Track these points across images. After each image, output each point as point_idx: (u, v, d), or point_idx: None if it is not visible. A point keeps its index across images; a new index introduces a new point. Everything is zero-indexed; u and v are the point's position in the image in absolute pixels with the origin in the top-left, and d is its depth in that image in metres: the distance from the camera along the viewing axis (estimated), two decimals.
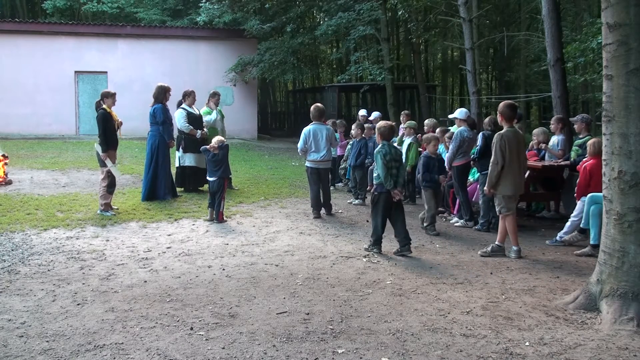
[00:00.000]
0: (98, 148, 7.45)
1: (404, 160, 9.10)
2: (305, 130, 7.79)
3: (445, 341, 3.65)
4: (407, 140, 9.10)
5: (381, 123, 6.23)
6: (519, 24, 22.72)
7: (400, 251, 5.92)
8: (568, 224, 6.45)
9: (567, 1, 18.35)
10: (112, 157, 7.53)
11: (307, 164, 7.86)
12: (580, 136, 7.43)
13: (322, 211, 7.93)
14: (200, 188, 9.33)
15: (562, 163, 7.54)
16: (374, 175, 6.06)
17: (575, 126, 7.51)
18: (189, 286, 4.71)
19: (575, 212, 6.40)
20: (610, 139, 4.16)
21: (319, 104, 8.18)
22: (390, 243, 6.31)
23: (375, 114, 11.79)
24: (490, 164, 5.85)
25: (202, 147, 7.74)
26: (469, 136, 7.44)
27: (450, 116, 8.29)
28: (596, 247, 5.48)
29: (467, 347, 3.56)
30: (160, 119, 8.49)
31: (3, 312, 4.06)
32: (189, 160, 9.19)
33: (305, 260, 5.58)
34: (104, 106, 7.57)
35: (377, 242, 5.98)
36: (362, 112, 11.93)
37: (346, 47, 21.55)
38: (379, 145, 6.09)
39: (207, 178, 7.55)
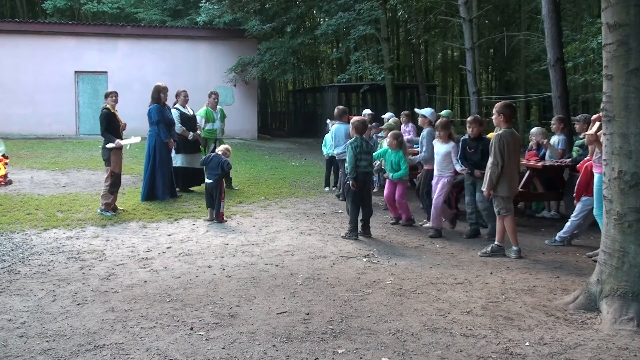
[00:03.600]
0: (110, 146, 7.41)
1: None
2: (331, 129, 9.01)
3: (445, 341, 3.65)
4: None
5: (356, 118, 6.75)
6: (519, 24, 22.71)
7: (363, 232, 6.56)
8: (568, 224, 6.44)
9: (567, 1, 18.36)
10: (118, 157, 7.52)
11: (333, 155, 9.08)
12: (581, 136, 7.41)
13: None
14: (191, 189, 9.32)
15: (563, 163, 7.51)
16: (345, 166, 6.59)
17: (577, 126, 7.49)
18: (189, 286, 4.71)
19: (575, 213, 6.38)
20: (610, 139, 4.16)
21: (341, 106, 9.35)
22: (390, 242, 6.33)
23: (389, 114, 11.78)
24: (490, 166, 5.78)
25: (202, 159, 7.72)
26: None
27: (417, 110, 8.09)
28: None
29: (467, 347, 3.56)
30: (155, 118, 8.45)
31: (3, 312, 4.06)
32: (181, 160, 9.20)
33: (305, 260, 5.58)
34: (107, 105, 7.57)
35: (353, 229, 6.43)
36: (367, 111, 11.81)
37: (346, 47, 21.55)
38: (352, 138, 6.62)
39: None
